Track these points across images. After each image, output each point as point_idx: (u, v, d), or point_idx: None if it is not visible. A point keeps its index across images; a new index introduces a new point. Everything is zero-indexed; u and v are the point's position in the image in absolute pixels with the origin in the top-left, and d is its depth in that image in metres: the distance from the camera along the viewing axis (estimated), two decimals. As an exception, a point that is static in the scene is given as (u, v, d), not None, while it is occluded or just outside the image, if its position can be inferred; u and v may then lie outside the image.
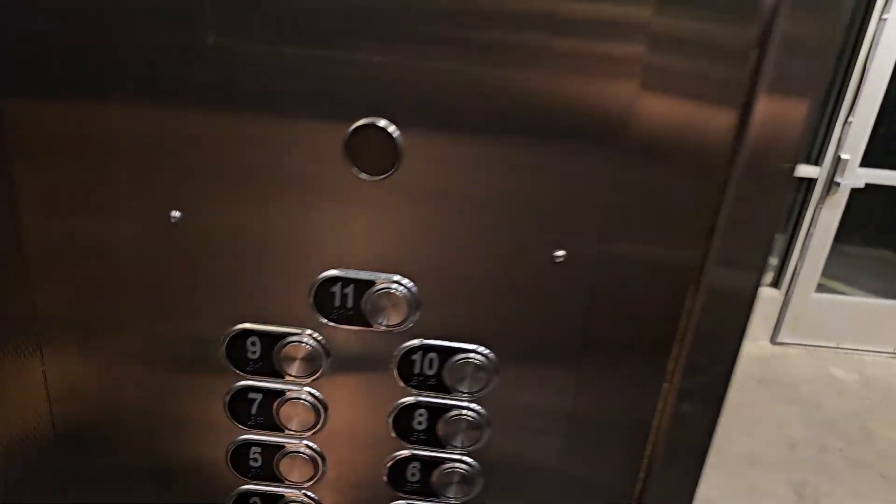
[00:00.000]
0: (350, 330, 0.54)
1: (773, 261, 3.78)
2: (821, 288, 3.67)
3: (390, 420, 0.56)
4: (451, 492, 0.58)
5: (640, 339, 0.54)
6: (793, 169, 0.49)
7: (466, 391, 0.55)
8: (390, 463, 0.58)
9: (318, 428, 0.56)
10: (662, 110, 0.46)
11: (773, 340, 3.69)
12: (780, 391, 3.15)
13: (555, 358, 0.55)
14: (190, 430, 0.57)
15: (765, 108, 0.45)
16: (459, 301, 0.54)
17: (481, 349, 0.54)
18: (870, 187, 3.45)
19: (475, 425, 0.56)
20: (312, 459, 0.57)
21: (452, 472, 0.57)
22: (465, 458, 0.58)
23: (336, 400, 0.56)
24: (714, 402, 0.57)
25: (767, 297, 3.62)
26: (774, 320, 3.68)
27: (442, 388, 0.55)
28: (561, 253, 0.52)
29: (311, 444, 0.57)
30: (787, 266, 3.59)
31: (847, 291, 3.99)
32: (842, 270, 4.06)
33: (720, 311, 0.54)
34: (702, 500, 2.08)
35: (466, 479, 0.58)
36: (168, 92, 0.47)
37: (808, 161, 3.48)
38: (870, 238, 4.81)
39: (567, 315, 0.54)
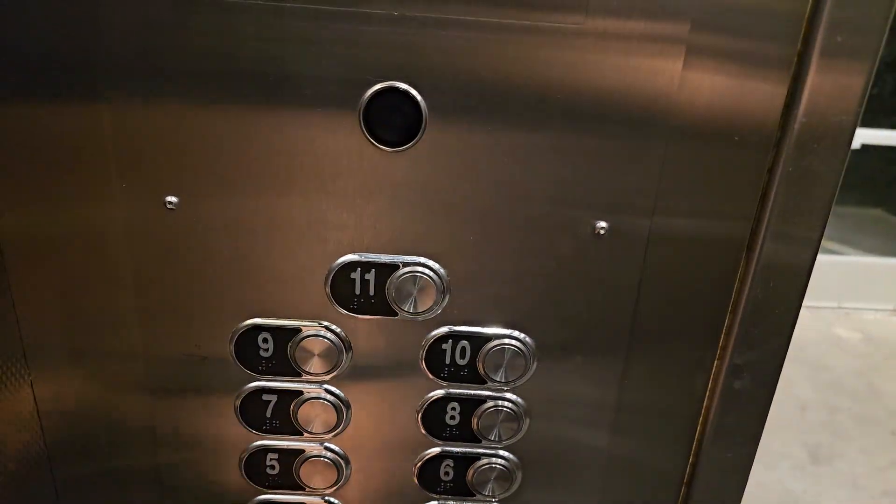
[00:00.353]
0: (372, 320, 0.48)
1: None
2: (820, 249, 3.63)
3: (419, 416, 0.51)
4: (489, 489, 0.53)
5: (691, 315, 0.49)
6: (849, 140, 0.44)
7: (502, 380, 0.49)
8: (420, 462, 0.52)
9: (340, 429, 0.51)
10: (710, 84, 0.42)
11: (775, 303, 3.65)
12: (789, 354, 3.13)
13: (599, 341, 0.49)
14: (198, 438, 0.51)
15: (816, 79, 0.41)
16: (492, 283, 0.48)
17: (517, 334, 0.48)
18: (865, 148, 3.39)
19: (513, 417, 0.50)
20: (335, 463, 0.51)
21: (490, 469, 0.52)
22: (502, 453, 0.52)
23: (359, 398, 0.50)
24: (768, 378, 0.52)
25: (769, 260, 3.58)
26: (776, 283, 3.64)
27: (475, 379, 0.50)
28: (603, 225, 0.46)
29: (333, 446, 0.51)
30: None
31: (845, 251, 3.96)
32: (839, 231, 4.02)
33: (775, 282, 0.49)
34: None
35: (504, 475, 0.52)
36: (161, 64, 0.40)
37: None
38: (865, 198, 4.78)
39: (612, 294, 0.48)
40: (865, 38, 0.40)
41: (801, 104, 0.42)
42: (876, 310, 3.65)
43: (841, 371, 3.01)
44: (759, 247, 0.47)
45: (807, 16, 0.40)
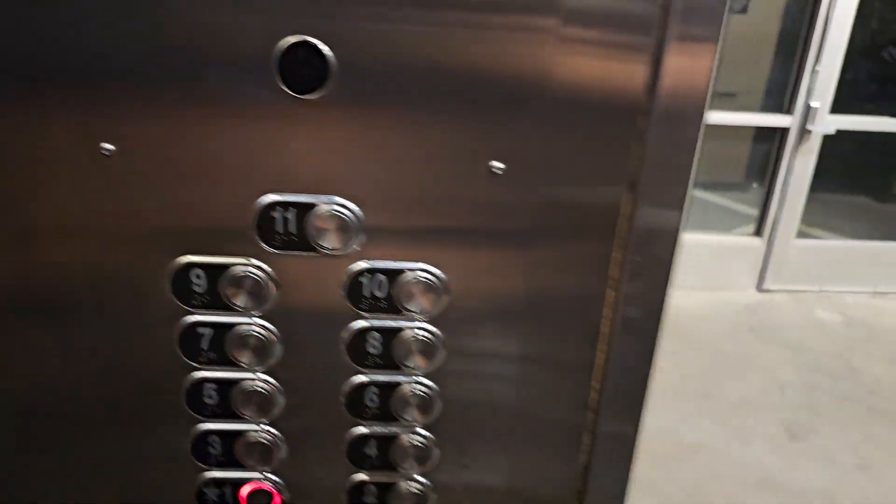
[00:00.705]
0: (296, 257, 0.52)
1: (754, 211, 3.77)
2: (801, 234, 3.67)
3: (344, 346, 0.55)
4: (410, 415, 0.56)
5: (584, 246, 0.53)
6: (702, 111, 0.50)
7: (418, 311, 0.53)
8: (348, 389, 0.56)
9: (272, 360, 0.54)
10: (581, 65, 0.48)
11: (759, 288, 3.69)
12: (769, 336, 3.16)
13: (504, 272, 0.54)
14: (140, 371, 0.55)
15: (672, 60, 0.47)
16: (403, 220, 0.52)
17: (429, 267, 0.52)
18: (841, 134, 3.43)
19: (429, 345, 0.54)
20: (269, 392, 0.55)
21: (410, 395, 0.56)
22: (421, 380, 0.56)
23: (288, 330, 0.54)
24: (657, 306, 0.56)
25: (750, 246, 3.61)
26: (759, 268, 3.68)
27: (393, 310, 0.54)
28: (499, 165, 0.50)
29: (266, 377, 0.55)
30: (768, 215, 3.59)
31: (826, 237, 3.99)
32: (820, 217, 4.05)
33: (654, 218, 0.53)
34: (695, 445, 2.11)
35: (425, 402, 0.56)
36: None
37: (780, 110, 3.46)
38: (845, 184, 4.80)
39: (512, 228, 0.52)
40: (710, 25, 0.47)
41: (660, 83, 0.48)
42: (856, 292, 3.68)
43: (820, 352, 3.04)
44: (634, 208, 0.51)
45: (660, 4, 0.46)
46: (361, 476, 0.60)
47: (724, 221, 3.90)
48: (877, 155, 4.84)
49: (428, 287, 0.53)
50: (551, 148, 0.50)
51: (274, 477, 0.59)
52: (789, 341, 3.12)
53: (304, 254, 0.51)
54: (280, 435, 0.57)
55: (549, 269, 0.53)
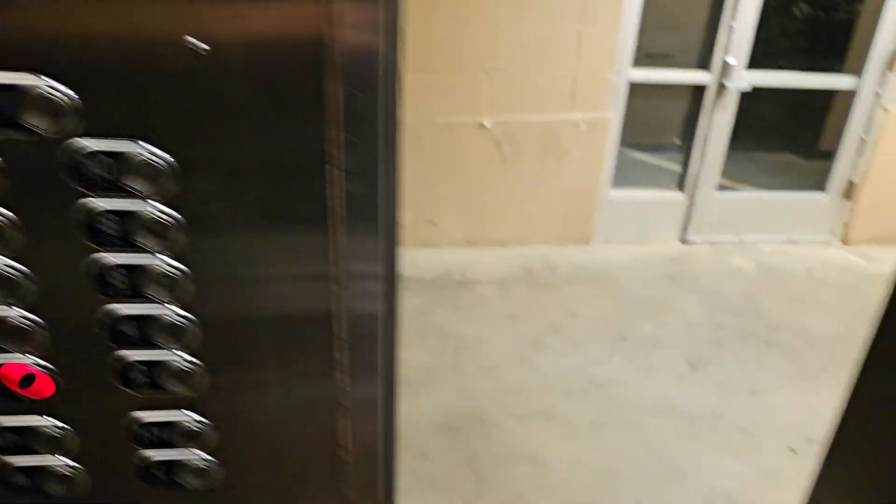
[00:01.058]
0: (16, 139, 0.53)
1: (676, 167, 3.85)
2: (722, 188, 3.76)
3: (83, 229, 0.57)
4: (156, 291, 0.59)
5: (297, 121, 0.56)
6: (374, 59, 0.54)
7: (145, 189, 0.55)
8: (94, 270, 0.58)
9: (11, 245, 0.56)
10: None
11: (682, 240, 3.79)
12: (686, 283, 3.27)
13: (224, 154, 0.56)
14: None
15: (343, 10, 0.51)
16: (117, 99, 0.53)
17: (146, 145, 0.54)
18: (757, 91, 3.50)
19: (161, 224, 0.57)
20: (15, 278, 0.57)
21: (151, 270, 0.58)
22: (162, 256, 0.58)
23: (22, 213, 0.56)
24: (372, 175, 0.59)
25: (674, 199, 3.70)
26: (682, 221, 3.77)
27: (121, 190, 0.56)
28: (204, 46, 0.52)
29: (9, 261, 0.57)
30: (689, 170, 3.66)
31: (746, 189, 4.10)
32: (740, 171, 4.15)
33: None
34: (609, 380, 2.19)
35: (168, 278, 0.59)
36: None
37: (699, 67, 3.51)
38: (762, 139, 4.91)
39: (221, 106, 0.54)
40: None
41: (334, 33, 0.51)
42: (772, 241, 3.80)
43: (731, 295, 3.15)
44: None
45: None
46: (125, 353, 0.62)
47: (660, 181, 3.98)
48: (795, 110, 4.95)
49: (150, 166, 0.55)
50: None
51: (43, 362, 0.62)
52: (704, 287, 3.23)
53: (19, 135, 0.53)
54: (38, 319, 0.59)
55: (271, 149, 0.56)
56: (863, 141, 3.58)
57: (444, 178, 3.36)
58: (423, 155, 3.28)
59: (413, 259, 3.43)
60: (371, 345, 0.67)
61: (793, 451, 2.08)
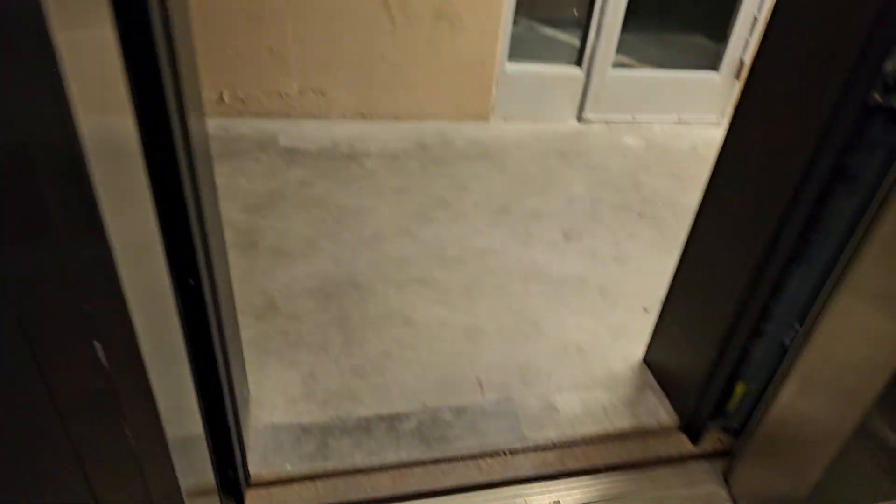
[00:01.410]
0: None
1: (575, 41, 3.83)
2: (622, 66, 3.80)
3: None
4: None
5: None
6: None
7: None
8: None
9: None
10: None
11: (579, 118, 3.86)
12: (575, 160, 3.37)
13: None
14: None
15: None
16: None
17: None
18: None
19: None
20: None
21: None
22: None
23: None
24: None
25: (571, 75, 3.72)
26: (580, 99, 3.82)
27: None
28: None
29: None
30: (587, 45, 3.66)
31: (642, 68, 4.16)
32: (649, 53, 4.19)
33: None
34: (486, 250, 2.25)
35: None
36: None
37: (599, -66, 3.40)
38: (672, 20, 4.94)
39: None
40: None
41: None
42: (664, 121, 3.94)
43: (615, 171, 3.29)
44: None
45: None
46: None
47: (561, 56, 3.94)
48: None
49: None
50: None
51: None
52: (591, 164, 3.35)
53: None
54: None
55: None
56: (755, 19, 3.67)
57: (332, 44, 3.19)
58: (306, 15, 3.08)
59: (300, 131, 3.32)
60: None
61: (645, 310, 2.30)
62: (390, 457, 1.66)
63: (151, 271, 0.84)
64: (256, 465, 1.62)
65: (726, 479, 1.70)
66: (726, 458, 1.72)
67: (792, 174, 1.32)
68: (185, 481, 0.88)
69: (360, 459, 1.65)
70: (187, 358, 1.01)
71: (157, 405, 0.75)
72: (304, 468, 1.62)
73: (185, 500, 0.89)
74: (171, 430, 0.81)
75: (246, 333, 2.03)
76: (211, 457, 1.18)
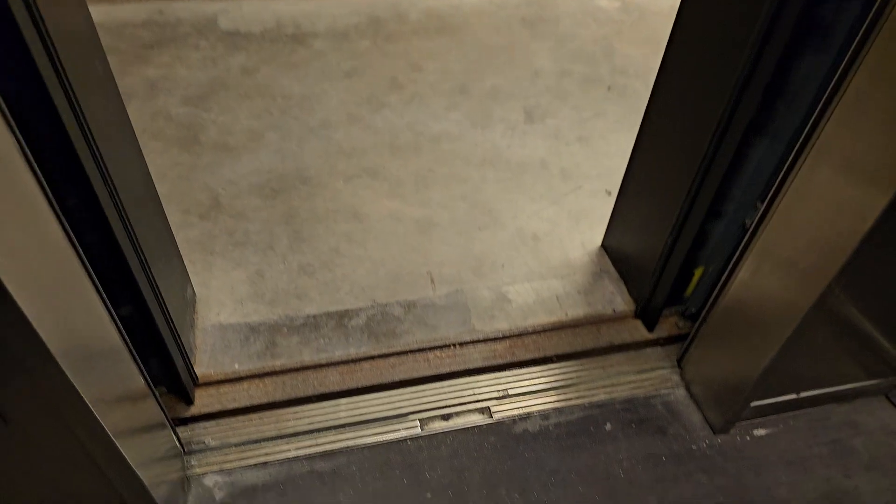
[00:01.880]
0: None
1: None
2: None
3: None
4: None
5: None
6: None
7: None
8: None
9: None
10: None
11: (549, -18, 3.58)
12: (542, 29, 3.17)
13: None
14: None
15: None
16: None
17: None
18: None
19: None
20: None
21: None
22: None
23: None
24: None
25: (540, -68, 3.41)
26: (550, -41, 3.53)
27: None
28: None
29: None
30: None
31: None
32: None
33: None
34: (442, 135, 2.14)
35: None
36: None
37: None
38: None
39: None
40: None
41: None
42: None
43: (585, 39, 3.11)
44: None
45: None
46: None
47: None
48: None
49: None
50: None
51: None
52: (558, 32, 3.16)
53: None
54: None
55: None
56: None
57: None
58: None
59: (241, 11, 3.08)
60: None
61: (609, 193, 2.26)
62: (339, 353, 1.70)
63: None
64: (204, 366, 1.65)
65: (679, 364, 1.75)
66: (682, 344, 1.76)
67: (755, 25, 1.20)
68: (88, 391, 0.89)
69: (308, 356, 1.69)
70: (82, 266, 0.99)
71: (28, 318, 0.74)
72: (252, 366, 1.66)
73: (93, 408, 0.90)
74: (56, 343, 0.80)
75: (190, 233, 2.00)
76: (137, 363, 1.19)
